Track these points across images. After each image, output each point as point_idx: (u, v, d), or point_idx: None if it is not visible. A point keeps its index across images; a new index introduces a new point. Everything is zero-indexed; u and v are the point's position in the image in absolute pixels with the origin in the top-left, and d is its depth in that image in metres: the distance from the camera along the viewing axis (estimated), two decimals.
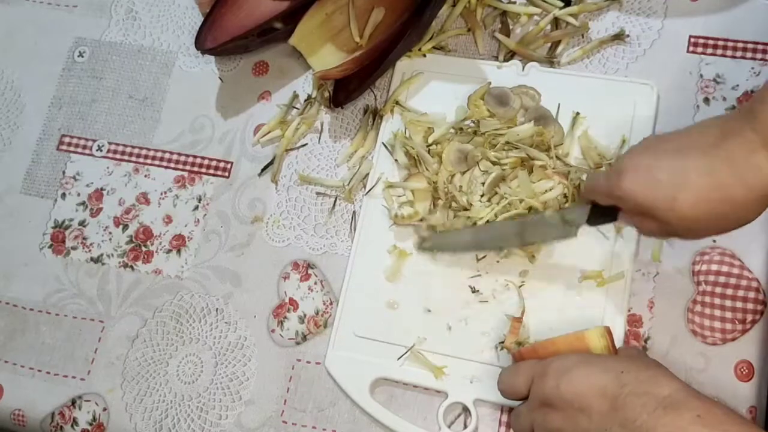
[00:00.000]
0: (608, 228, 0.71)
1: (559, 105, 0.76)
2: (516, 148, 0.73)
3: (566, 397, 0.56)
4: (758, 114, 0.54)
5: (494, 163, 0.72)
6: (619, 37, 0.79)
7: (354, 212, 0.78)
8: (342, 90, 0.82)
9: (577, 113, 0.76)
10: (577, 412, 0.56)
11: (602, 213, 0.65)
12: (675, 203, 0.56)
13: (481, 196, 0.71)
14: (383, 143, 0.79)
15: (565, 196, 0.71)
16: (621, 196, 0.59)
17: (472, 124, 0.77)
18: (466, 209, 0.71)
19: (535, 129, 0.74)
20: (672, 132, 0.60)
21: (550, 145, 0.73)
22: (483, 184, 0.71)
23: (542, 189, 0.71)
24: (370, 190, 0.77)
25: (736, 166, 0.54)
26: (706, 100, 0.75)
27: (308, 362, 0.74)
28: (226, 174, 0.83)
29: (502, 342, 0.70)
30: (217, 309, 0.78)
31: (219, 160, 0.83)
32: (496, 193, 0.71)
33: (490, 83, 0.77)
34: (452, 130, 0.77)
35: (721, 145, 0.55)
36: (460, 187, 0.72)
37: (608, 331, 0.62)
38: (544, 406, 0.58)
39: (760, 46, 0.76)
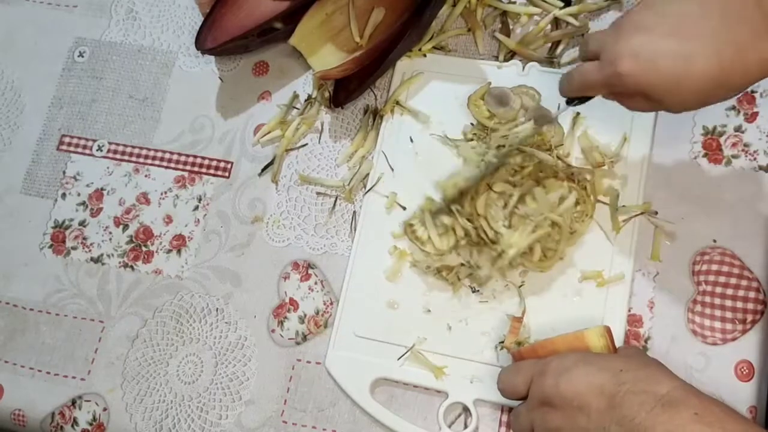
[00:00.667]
0: (608, 228, 0.72)
1: (558, 105, 0.76)
2: (521, 152, 0.72)
3: (565, 396, 0.56)
4: None
5: (508, 182, 0.71)
6: None
7: (354, 212, 0.78)
8: (342, 90, 0.82)
9: (577, 113, 0.76)
10: (576, 411, 0.56)
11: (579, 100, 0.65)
12: (679, 88, 0.55)
13: (505, 220, 0.70)
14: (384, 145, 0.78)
15: (577, 202, 0.71)
16: (620, 84, 0.57)
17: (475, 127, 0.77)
18: (493, 242, 0.69)
19: (536, 129, 0.74)
20: (657, 6, 0.57)
21: (551, 145, 0.73)
22: (504, 206, 0.70)
23: (555, 199, 0.70)
24: (369, 190, 0.77)
25: (743, 53, 0.54)
26: None
27: (308, 362, 0.74)
28: (226, 174, 0.83)
29: (502, 342, 0.70)
30: (217, 309, 0.78)
31: (219, 160, 0.83)
32: (513, 213, 0.70)
33: (490, 83, 0.77)
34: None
35: (728, 29, 0.54)
36: (485, 217, 0.70)
37: (608, 331, 0.62)
38: (543, 405, 0.58)
39: None
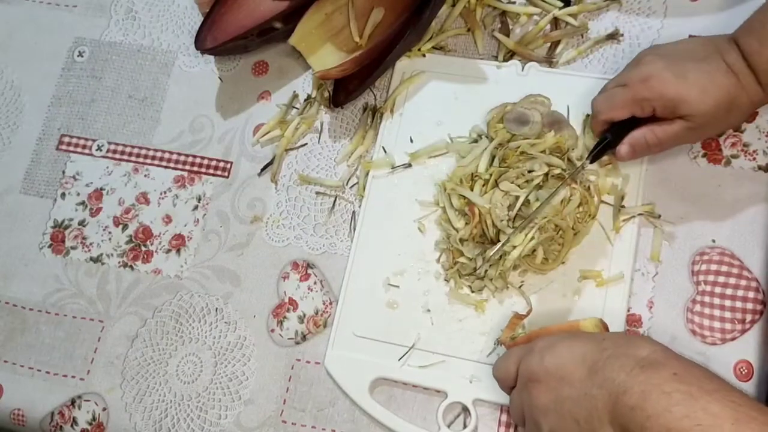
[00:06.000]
0: (608, 228, 0.72)
1: (568, 107, 0.76)
2: (532, 158, 0.71)
3: (549, 369, 0.58)
4: (739, 39, 0.66)
5: (515, 183, 0.70)
6: (613, 36, 0.79)
7: (354, 212, 0.78)
8: (342, 90, 0.82)
9: (588, 115, 0.74)
10: (559, 381, 0.57)
11: (603, 148, 0.70)
12: (705, 95, 0.64)
13: (509, 221, 0.69)
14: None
15: (580, 203, 0.70)
16: (649, 97, 0.66)
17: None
18: (493, 241, 0.69)
19: (557, 138, 0.72)
20: (666, 45, 0.71)
21: (567, 149, 0.72)
22: (509, 207, 0.69)
23: (559, 201, 0.69)
24: (368, 190, 0.77)
25: (742, 76, 0.65)
26: None
27: (308, 362, 0.75)
28: (226, 174, 0.83)
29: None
30: (216, 309, 0.78)
31: (219, 160, 0.83)
32: (518, 215, 0.69)
33: (506, 106, 0.76)
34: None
35: (726, 58, 0.65)
36: (489, 212, 0.69)
37: (602, 323, 0.62)
38: (529, 382, 0.59)
39: None
